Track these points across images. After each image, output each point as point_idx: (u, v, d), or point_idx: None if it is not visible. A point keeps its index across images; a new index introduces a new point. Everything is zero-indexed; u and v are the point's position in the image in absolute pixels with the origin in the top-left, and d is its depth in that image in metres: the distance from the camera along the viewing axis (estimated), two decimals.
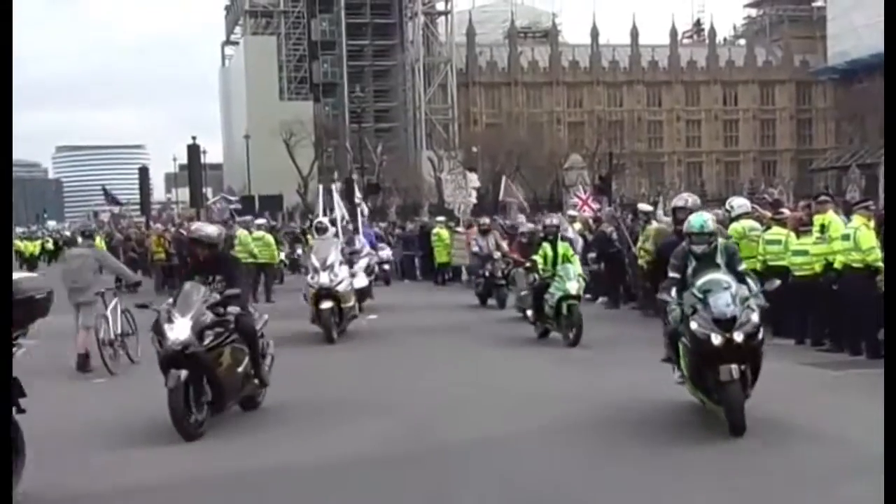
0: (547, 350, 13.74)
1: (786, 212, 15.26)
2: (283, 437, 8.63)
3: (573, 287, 13.78)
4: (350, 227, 20.74)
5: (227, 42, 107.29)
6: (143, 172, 48.13)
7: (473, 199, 47.91)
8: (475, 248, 21.82)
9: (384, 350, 14.59)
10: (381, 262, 25.01)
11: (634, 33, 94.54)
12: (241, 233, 23.62)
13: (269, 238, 24.91)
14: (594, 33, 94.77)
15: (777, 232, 13.86)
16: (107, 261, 14.00)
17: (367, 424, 9.02)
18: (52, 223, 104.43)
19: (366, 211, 25.00)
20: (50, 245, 57.24)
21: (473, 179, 58.52)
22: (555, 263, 14.14)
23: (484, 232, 21.75)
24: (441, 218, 32.37)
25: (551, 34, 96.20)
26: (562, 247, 14.37)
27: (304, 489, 7.02)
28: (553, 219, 15.55)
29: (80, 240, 15.57)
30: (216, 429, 8.79)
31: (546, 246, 14.37)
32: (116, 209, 74.93)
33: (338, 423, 9.11)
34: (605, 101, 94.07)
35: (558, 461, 7.55)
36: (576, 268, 14.22)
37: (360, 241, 20.07)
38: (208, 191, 64.49)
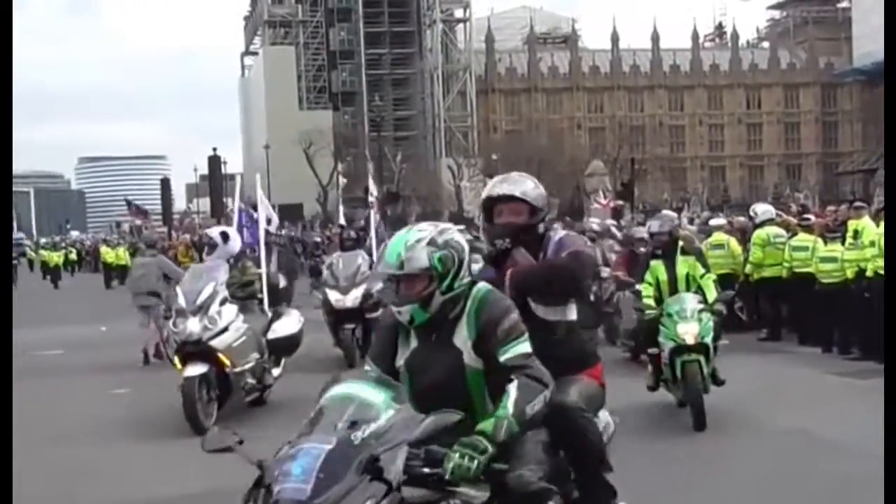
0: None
1: (812, 217, 15.09)
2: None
3: (689, 332, 8.87)
4: (273, 231, 15.68)
5: (247, 52, 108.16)
6: (165, 183, 48.46)
7: None
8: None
9: None
10: None
11: (655, 37, 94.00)
12: None
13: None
14: (614, 38, 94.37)
15: (804, 238, 13.67)
16: (168, 267, 15.64)
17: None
18: (74, 233, 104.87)
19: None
20: (73, 255, 57.56)
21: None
22: (674, 290, 9.36)
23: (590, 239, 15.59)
24: (460, 226, 32.10)
25: (571, 39, 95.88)
26: (684, 264, 9.43)
27: None
28: (662, 222, 9.83)
29: (147, 249, 17.22)
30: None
31: (658, 266, 9.51)
32: (139, 221, 75.35)
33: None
34: (626, 106, 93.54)
35: None
36: (709, 293, 9.23)
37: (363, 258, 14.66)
38: (229, 200, 64.54)
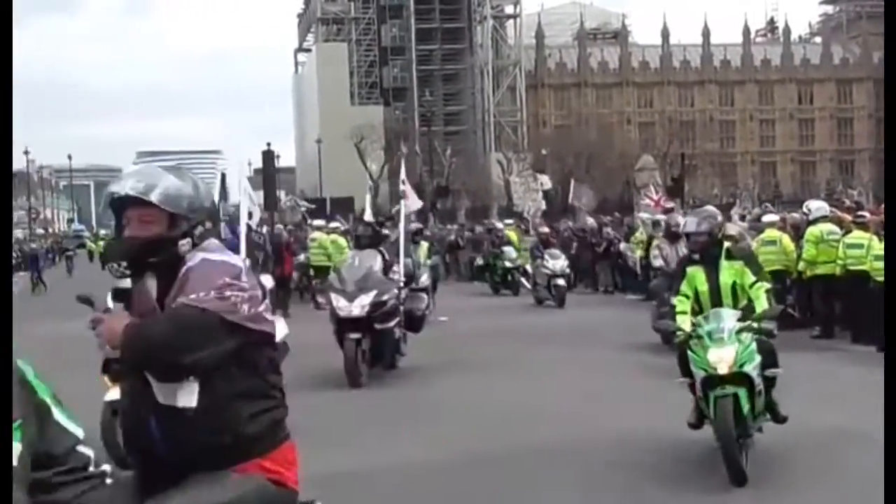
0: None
1: (867, 215, 14.94)
2: (359, 439, 8.76)
3: (723, 358, 6.79)
4: (256, 226, 14.02)
5: (300, 49, 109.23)
6: (223, 178, 49.19)
7: (543, 202, 47.64)
8: (659, 262, 14.81)
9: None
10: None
11: (706, 32, 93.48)
12: (318, 234, 23.83)
13: (342, 241, 24.44)
14: (665, 33, 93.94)
15: (858, 236, 13.55)
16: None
17: (438, 427, 9.06)
18: None
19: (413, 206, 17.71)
20: None
21: (545, 181, 58.07)
22: (717, 304, 7.32)
23: (673, 237, 14.04)
24: (510, 220, 32.29)
25: (621, 35, 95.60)
26: (729, 270, 7.39)
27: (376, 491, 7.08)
28: (700, 219, 7.62)
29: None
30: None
31: (696, 274, 7.46)
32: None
33: (414, 426, 9.19)
34: (676, 102, 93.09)
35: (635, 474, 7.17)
36: (759, 307, 7.17)
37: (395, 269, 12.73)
38: (281, 193, 65.48)
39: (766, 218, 17.06)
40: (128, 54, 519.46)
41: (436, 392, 10.97)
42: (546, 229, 24.01)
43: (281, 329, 8.96)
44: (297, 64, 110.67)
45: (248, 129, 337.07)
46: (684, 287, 7.44)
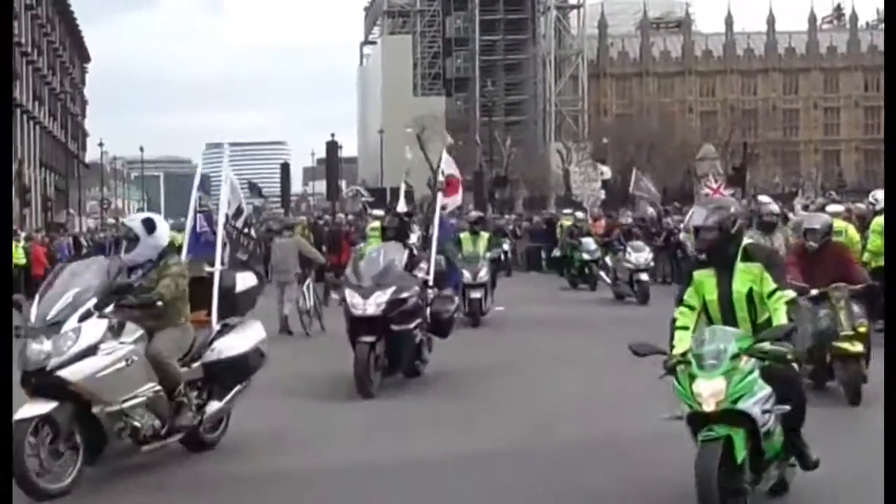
0: None
1: None
2: (419, 427, 8.85)
3: (709, 391, 5.48)
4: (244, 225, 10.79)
5: (366, 42, 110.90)
6: (285, 168, 50.58)
7: (602, 192, 47.97)
8: None
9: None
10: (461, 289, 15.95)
11: (771, 20, 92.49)
12: (378, 224, 24.19)
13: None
14: (729, 21, 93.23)
15: None
16: (304, 247, 16.36)
17: (494, 419, 9.00)
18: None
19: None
20: None
21: (605, 171, 58.30)
22: (729, 317, 5.95)
23: (768, 227, 12.25)
24: (568, 210, 32.42)
25: (684, 23, 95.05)
26: (745, 275, 5.94)
27: (432, 480, 7.12)
28: (710, 212, 6.05)
29: (285, 232, 18.10)
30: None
31: (705, 280, 6.05)
32: (258, 202, 78.40)
33: (470, 415, 9.15)
34: (738, 90, 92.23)
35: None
36: (778, 319, 5.81)
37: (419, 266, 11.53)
38: (343, 183, 66.87)
39: (831, 208, 15.66)
40: (200, 49, 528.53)
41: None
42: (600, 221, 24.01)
43: (253, 335, 8.24)
44: (362, 56, 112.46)
45: (314, 120, 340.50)
46: (689, 295, 5.97)
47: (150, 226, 7.83)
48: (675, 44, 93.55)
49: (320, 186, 79.18)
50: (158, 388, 7.30)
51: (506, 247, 28.83)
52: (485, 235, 17.70)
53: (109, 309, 7.19)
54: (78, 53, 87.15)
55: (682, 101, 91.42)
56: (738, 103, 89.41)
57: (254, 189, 73.66)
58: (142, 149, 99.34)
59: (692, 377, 5.47)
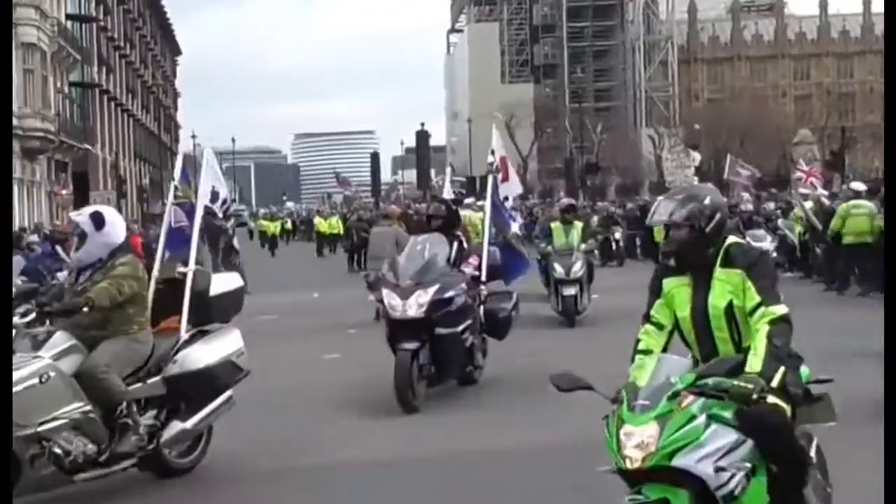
0: None
1: None
2: (493, 419, 8.50)
3: (635, 442, 4.00)
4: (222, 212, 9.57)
5: (452, 30, 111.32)
6: (375, 157, 51.22)
7: (695, 178, 47.67)
8: None
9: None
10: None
11: (867, 1, 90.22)
12: (468, 212, 23.80)
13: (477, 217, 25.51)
14: (823, 3, 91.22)
15: None
16: (402, 236, 15.09)
17: (572, 409, 7.95)
18: (290, 205, 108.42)
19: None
20: (288, 225, 59.99)
21: (696, 157, 58.07)
22: (704, 338, 4.53)
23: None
24: (661, 196, 32.50)
25: (776, 6, 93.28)
26: (723, 286, 4.42)
27: (507, 473, 6.75)
28: (677, 204, 4.48)
29: (382, 220, 18.18)
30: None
31: (677, 289, 4.57)
32: (349, 191, 79.59)
33: (545, 406, 7.99)
34: (834, 73, 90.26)
35: None
36: (755, 351, 4.22)
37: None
38: (432, 172, 67.39)
39: None
40: (289, 40, 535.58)
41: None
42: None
43: (226, 345, 7.19)
44: (449, 45, 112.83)
45: (402, 109, 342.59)
46: (658, 310, 4.56)
47: (98, 221, 6.77)
48: (767, 27, 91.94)
49: (410, 175, 79.95)
50: (88, 407, 6.26)
51: (617, 235, 28.69)
52: (578, 225, 15.41)
53: (31, 317, 6.31)
54: (169, 47, 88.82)
55: (775, 86, 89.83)
56: (834, 87, 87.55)
57: (339, 178, 74.43)
58: (233, 140, 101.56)
59: (620, 422, 4.03)
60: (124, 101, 63.03)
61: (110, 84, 58.77)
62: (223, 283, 7.81)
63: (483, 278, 10.22)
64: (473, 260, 10.05)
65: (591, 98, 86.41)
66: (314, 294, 21.86)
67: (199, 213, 8.20)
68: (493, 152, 12.27)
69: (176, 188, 8.48)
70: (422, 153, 39.30)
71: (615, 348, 5.23)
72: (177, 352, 6.91)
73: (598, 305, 15.10)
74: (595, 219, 33.32)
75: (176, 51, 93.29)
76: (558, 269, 14.51)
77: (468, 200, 27.66)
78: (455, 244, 9.83)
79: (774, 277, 4.51)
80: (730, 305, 4.37)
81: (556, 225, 15.60)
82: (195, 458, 7.13)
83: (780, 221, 22.78)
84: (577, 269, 14.45)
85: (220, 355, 7.07)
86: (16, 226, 24.67)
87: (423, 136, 38.76)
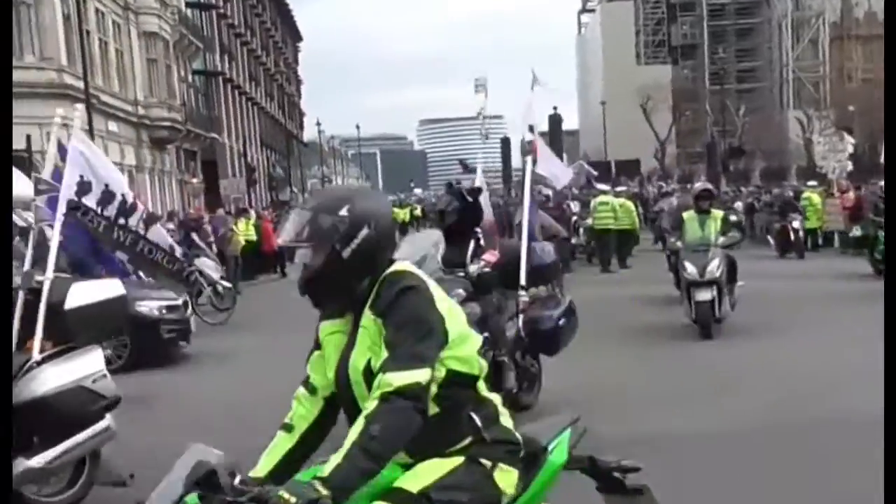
0: None
1: None
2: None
3: None
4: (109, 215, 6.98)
5: (583, 10, 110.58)
6: (505, 143, 50.20)
7: (849, 162, 44.08)
8: None
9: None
10: None
11: None
12: (608, 198, 24.26)
13: (630, 205, 24.91)
14: None
15: None
16: (545, 220, 13.12)
17: (756, 393, 8.65)
18: (417, 191, 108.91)
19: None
20: (418, 212, 60.00)
21: (850, 142, 53.78)
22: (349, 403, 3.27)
23: None
24: (813, 182, 30.85)
25: None
26: (364, 336, 3.11)
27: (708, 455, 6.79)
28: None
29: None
30: None
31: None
32: (476, 178, 78.56)
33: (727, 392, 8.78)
34: None
35: None
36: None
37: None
38: (565, 157, 65.52)
39: None
40: (412, 25, 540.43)
41: None
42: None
43: (78, 369, 6.12)
44: (580, 25, 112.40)
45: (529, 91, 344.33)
46: (311, 366, 3.35)
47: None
48: None
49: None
50: None
51: (796, 223, 25.52)
52: (718, 214, 12.94)
53: None
54: (290, 33, 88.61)
55: None
56: None
57: (463, 166, 74.50)
58: (358, 127, 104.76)
59: None
60: (248, 90, 63.19)
61: (233, 72, 58.92)
62: (90, 292, 6.48)
63: (523, 282, 8.66)
64: (489, 256, 8.25)
65: (732, 79, 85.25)
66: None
67: (61, 209, 6.59)
68: (531, 128, 10.60)
69: (38, 180, 6.88)
70: (555, 138, 37.46)
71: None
72: (20, 377, 5.86)
73: (753, 304, 13.13)
74: (739, 205, 31.07)
75: (297, 37, 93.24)
76: (690, 269, 12.05)
77: (602, 187, 27.30)
78: (472, 243, 8.20)
79: (417, 324, 2.96)
80: (367, 367, 3.02)
81: (688, 215, 12.91)
82: (74, 494, 6.20)
83: None
84: (714, 267, 11.92)
85: (65, 380, 6.01)
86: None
87: (555, 120, 36.87)
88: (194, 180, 44.51)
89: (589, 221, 24.07)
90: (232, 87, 58.02)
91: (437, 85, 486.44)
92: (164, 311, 12.35)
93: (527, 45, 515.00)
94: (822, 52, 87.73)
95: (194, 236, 19.25)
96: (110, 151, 29.47)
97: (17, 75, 13.36)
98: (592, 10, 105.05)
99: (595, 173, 45.02)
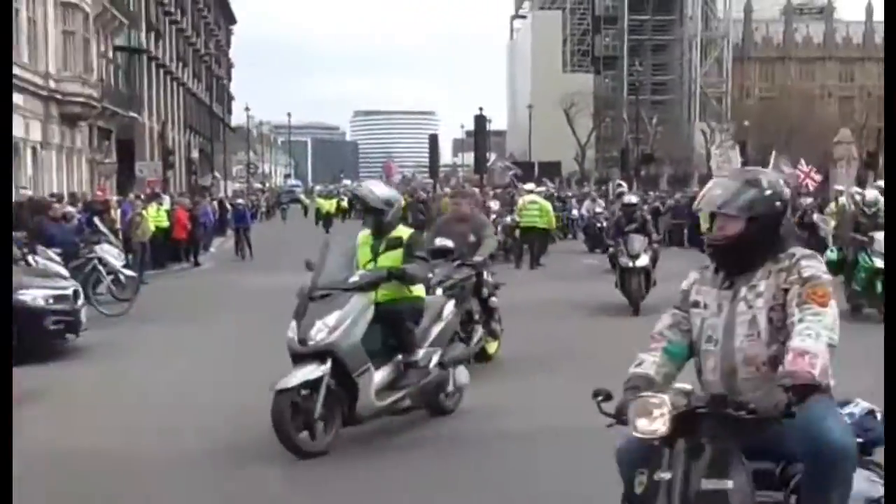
0: None
1: None
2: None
3: None
4: None
5: (516, 16, 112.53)
6: (433, 139, 53.52)
7: None
8: None
9: None
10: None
11: None
12: (536, 197, 25.11)
13: (547, 205, 25.39)
14: (869, 10, 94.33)
15: None
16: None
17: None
18: (346, 182, 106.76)
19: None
20: (344, 203, 57.77)
21: (736, 156, 61.36)
22: None
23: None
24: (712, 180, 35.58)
25: (826, 10, 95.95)
26: None
27: None
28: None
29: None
30: None
31: None
32: (409, 173, 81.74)
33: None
34: (876, 76, 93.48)
35: None
36: None
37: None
38: (491, 156, 69.63)
39: None
40: (350, 15, 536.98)
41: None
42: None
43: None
44: (512, 30, 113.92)
45: (463, 91, 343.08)
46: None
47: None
48: (817, 30, 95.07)
49: (470, 158, 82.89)
50: None
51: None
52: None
53: None
54: (223, 15, 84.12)
55: (822, 86, 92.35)
56: (875, 89, 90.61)
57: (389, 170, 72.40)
58: (289, 114, 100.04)
59: None
60: (174, 69, 59.22)
61: (159, 51, 54.79)
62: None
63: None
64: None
65: (648, 91, 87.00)
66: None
67: None
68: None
69: None
70: (479, 138, 41.56)
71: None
72: None
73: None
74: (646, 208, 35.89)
75: (231, 19, 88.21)
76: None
77: (529, 186, 28.63)
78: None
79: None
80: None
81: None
82: None
83: (815, 216, 23.22)
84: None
85: None
86: (52, 193, 24.34)
87: (480, 120, 41.15)
88: (106, 160, 41.73)
89: (508, 219, 24.61)
90: (157, 66, 54.06)
91: (373, 77, 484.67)
92: (50, 301, 11.36)
93: (460, 45, 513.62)
94: (725, 70, 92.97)
95: (97, 221, 18.04)
96: (14, 126, 23.09)
97: None
98: (524, 17, 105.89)
99: (520, 173, 49.97)
